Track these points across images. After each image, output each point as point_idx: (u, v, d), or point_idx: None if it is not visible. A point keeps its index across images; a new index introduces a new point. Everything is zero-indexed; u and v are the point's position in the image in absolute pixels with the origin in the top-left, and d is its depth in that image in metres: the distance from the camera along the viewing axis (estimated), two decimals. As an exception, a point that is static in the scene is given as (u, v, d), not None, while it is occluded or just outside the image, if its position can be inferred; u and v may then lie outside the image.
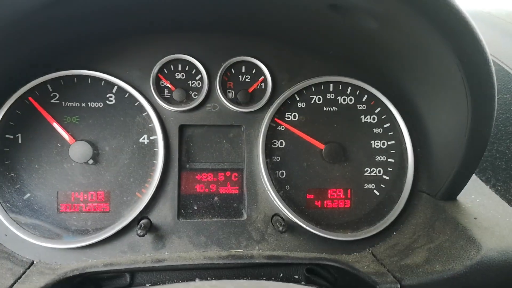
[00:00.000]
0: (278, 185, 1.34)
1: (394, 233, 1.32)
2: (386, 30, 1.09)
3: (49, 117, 1.25)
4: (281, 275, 1.23)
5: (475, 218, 1.13)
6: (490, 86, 0.97)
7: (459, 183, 1.19)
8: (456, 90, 1.03)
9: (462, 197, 1.26)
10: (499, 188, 1.34)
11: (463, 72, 0.95)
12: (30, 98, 1.25)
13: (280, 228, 1.22)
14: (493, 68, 0.95)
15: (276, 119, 1.36)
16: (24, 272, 1.10)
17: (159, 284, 1.14)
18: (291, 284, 0.57)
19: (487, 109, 1.00)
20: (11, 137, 1.24)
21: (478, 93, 0.98)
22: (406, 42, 1.10)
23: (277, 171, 1.36)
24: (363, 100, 1.41)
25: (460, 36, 0.90)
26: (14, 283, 1.02)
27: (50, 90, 1.28)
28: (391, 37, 1.12)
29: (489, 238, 1.03)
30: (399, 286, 1.02)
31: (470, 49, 0.91)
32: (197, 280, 1.08)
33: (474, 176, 1.36)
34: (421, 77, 1.19)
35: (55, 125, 1.25)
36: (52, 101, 1.27)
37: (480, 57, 0.92)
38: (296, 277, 1.21)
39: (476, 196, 1.28)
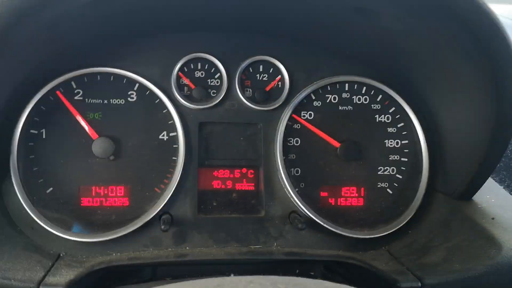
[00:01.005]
0: (293, 182, 1.31)
1: (410, 231, 1.28)
2: (410, 32, 1.05)
3: (74, 111, 1.23)
4: (297, 271, 1.20)
5: (493, 218, 1.09)
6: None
7: (476, 183, 1.15)
8: (477, 91, 0.99)
9: (477, 197, 1.21)
10: (513, 188, 1.30)
11: (493, 75, 0.90)
12: (58, 92, 1.23)
13: (299, 226, 1.19)
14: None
15: (294, 115, 1.33)
16: (53, 265, 1.08)
17: (180, 278, 1.11)
18: (327, 283, 0.54)
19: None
20: (36, 132, 1.22)
21: (506, 95, 0.93)
22: (429, 44, 1.05)
23: (292, 169, 1.33)
24: (378, 99, 1.37)
25: (490, 38, 0.86)
26: (46, 275, 1.00)
27: (74, 87, 1.25)
28: (413, 38, 1.08)
29: (509, 238, 0.99)
30: (420, 284, 0.98)
31: (499, 52, 0.87)
32: (232, 275, 1.06)
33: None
34: (440, 78, 1.15)
35: (80, 120, 1.23)
36: (76, 97, 1.25)
37: (507, 57, 0.87)
38: (312, 273, 1.18)
39: (491, 196, 1.23)
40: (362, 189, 1.34)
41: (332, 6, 1.08)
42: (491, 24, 0.85)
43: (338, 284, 0.54)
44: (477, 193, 1.20)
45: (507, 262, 0.94)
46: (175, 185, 1.24)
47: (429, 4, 0.90)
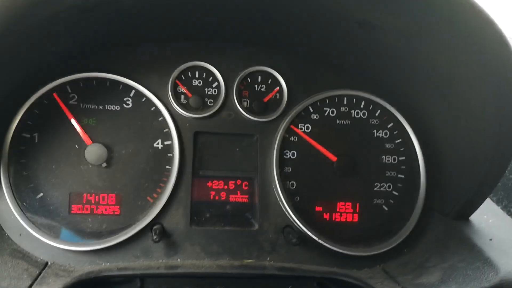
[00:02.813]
0: (288, 196, 1.28)
1: (405, 250, 1.25)
2: (412, 48, 1.05)
3: (69, 115, 1.21)
4: (290, 287, 1.16)
5: (491, 240, 1.07)
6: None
7: (474, 203, 1.13)
8: (478, 109, 0.98)
9: (474, 217, 1.19)
10: (511, 209, 1.28)
11: (495, 93, 0.89)
12: (54, 94, 1.21)
13: (293, 241, 1.16)
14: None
15: (292, 126, 1.31)
16: (39, 273, 1.05)
17: None
18: None
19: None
20: (28, 136, 1.20)
21: (507, 114, 0.92)
22: (431, 61, 1.05)
23: (288, 182, 1.30)
24: (376, 114, 1.36)
25: (497, 57, 0.85)
26: (32, 284, 0.97)
27: (69, 91, 1.24)
28: (414, 55, 1.08)
29: (507, 260, 0.96)
30: None
31: (503, 70, 0.86)
32: None
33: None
34: (440, 95, 1.14)
35: (75, 124, 1.21)
36: (70, 102, 1.23)
37: None
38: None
39: (489, 216, 1.21)
40: (358, 204, 1.32)
41: (336, 20, 1.07)
42: (499, 43, 0.84)
43: None
44: (474, 213, 1.18)
45: (505, 285, 0.91)
46: (168, 195, 1.21)
47: (433, 18, 0.89)
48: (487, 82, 0.91)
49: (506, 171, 1.33)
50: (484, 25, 0.83)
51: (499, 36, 0.84)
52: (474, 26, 0.83)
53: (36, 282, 0.99)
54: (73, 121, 1.21)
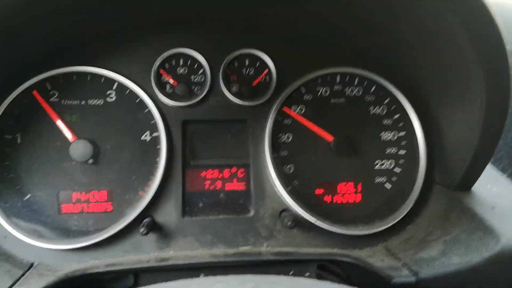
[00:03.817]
0: (286, 180, 1.34)
1: (408, 226, 1.31)
2: (396, 17, 1.09)
3: (52, 113, 1.26)
4: (291, 272, 1.22)
5: (493, 208, 1.13)
6: (506, 77, 0.96)
7: (474, 173, 1.19)
8: (470, 79, 1.03)
9: (477, 187, 1.25)
10: (516, 177, 1.33)
11: (479, 63, 0.94)
12: (34, 92, 1.26)
13: (289, 224, 1.22)
14: (509, 59, 0.95)
15: (285, 107, 1.36)
16: (23, 274, 1.10)
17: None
18: (298, 278, 0.57)
19: (503, 100, 0.99)
20: (10, 137, 1.25)
21: (494, 84, 0.97)
22: (418, 30, 1.09)
23: (285, 166, 1.36)
24: (371, 91, 1.41)
25: (479, 24, 0.90)
26: (12, 285, 1.03)
27: (49, 88, 1.29)
28: (401, 25, 1.12)
29: (508, 227, 1.02)
30: (414, 279, 1.01)
31: (488, 38, 0.90)
32: (201, 275, 1.08)
33: (489, 166, 1.35)
34: (432, 67, 1.19)
35: (58, 122, 1.26)
36: (51, 99, 1.28)
37: (498, 48, 0.91)
38: (307, 274, 1.21)
39: (492, 185, 1.27)
40: (359, 185, 1.38)
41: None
42: (478, 7, 0.89)
43: (312, 280, 0.56)
44: (477, 183, 1.23)
45: (506, 252, 0.97)
46: (156, 187, 1.27)
47: None
48: (471, 48, 0.95)
49: (509, 139, 1.40)
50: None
51: (483, 8, 0.88)
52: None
53: (17, 283, 1.04)
54: (55, 119, 1.26)
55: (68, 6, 1.06)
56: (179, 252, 1.23)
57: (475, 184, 1.24)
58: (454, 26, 0.95)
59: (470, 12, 0.90)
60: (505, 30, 0.91)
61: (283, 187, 1.31)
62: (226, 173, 1.35)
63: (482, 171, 1.18)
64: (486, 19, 0.89)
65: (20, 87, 1.25)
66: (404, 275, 1.03)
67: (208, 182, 1.34)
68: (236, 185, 1.35)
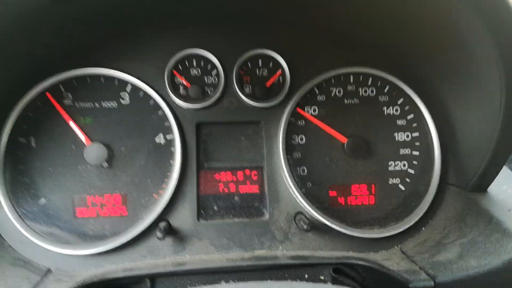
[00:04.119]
0: (300, 182, 1.35)
1: (423, 228, 1.32)
2: (411, 17, 1.08)
3: (65, 116, 1.26)
4: (306, 275, 1.23)
5: (510, 210, 1.13)
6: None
7: (490, 174, 1.19)
8: (487, 81, 1.03)
9: (493, 188, 1.26)
10: (531, 178, 1.34)
11: (498, 62, 0.94)
12: (47, 94, 1.26)
13: (305, 227, 1.23)
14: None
15: (298, 109, 1.36)
16: (40, 280, 1.11)
17: None
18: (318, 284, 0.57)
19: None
20: (24, 140, 1.26)
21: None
22: (433, 29, 1.09)
23: (298, 168, 1.37)
24: (385, 91, 1.41)
25: (499, 22, 0.89)
26: None
27: (63, 90, 1.29)
28: (416, 24, 1.12)
29: (526, 230, 1.03)
30: (433, 283, 1.02)
31: (509, 37, 0.90)
32: (222, 283, 1.09)
33: (504, 166, 1.36)
34: (447, 66, 1.19)
35: (72, 125, 1.26)
36: (65, 101, 1.29)
37: None
38: (322, 277, 1.22)
39: (508, 186, 1.28)
40: (373, 186, 1.39)
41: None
42: (505, 12, 0.88)
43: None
44: (492, 184, 1.24)
45: (526, 255, 0.98)
46: (172, 191, 1.28)
47: None
48: (489, 52, 0.95)
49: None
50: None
51: (504, 7, 0.88)
52: None
53: None
54: (70, 122, 1.27)
55: (83, 10, 1.06)
56: (195, 256, 1.25)
57: (490, 185, 1.24)
58: (472, 23, 0.95)
59: (491, 8, 0.89)
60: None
61: (298, 189, 1.32)
62: (240, 175, 1.37)
63: (498, 172, 1.18)
64: (508, 16, 0.89)
65: (33, 90, 1.26)
66: (422, 279, 1.04)
67: (221, 184, 1.36)
68: (250, 188, 1.36)
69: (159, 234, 1.18)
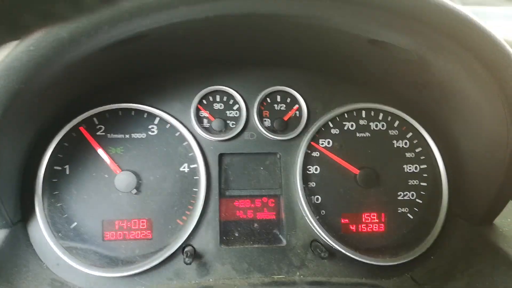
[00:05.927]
0: (314, 210, 1.44)
1: (432, 257, 1.40)
2: (425, 62, 1.20)
3: (97, 146, 1.38)
4: (321, 301, 1.31)
5: (516, 243, 1.21)
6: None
7: (496, 207, 1.27)
8: (492, 115, 1.12)
9: (498, 220, 1.33)
10: (535, 211, 1.41)
11: (505, 102, 1.04)
12: (81, 128, 1.38)
13: (322, 254, 1.32)
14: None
15: (312, 142, 1.47)
16: None
17: None
18: None
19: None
20: (59, 168, 1.37)
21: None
22: (443, 72, 1.19)
23: (313, 197, 1.46)
24: (395, 125, 1.52)
25: (502, 69, 1.00)
26: None
27: (96, 123, 1.41)
28: (427, 67, 1.23)
29: (532, 263, 1.10)
30: None
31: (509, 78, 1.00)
32: None
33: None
34: (456, 103, 1.29)
35: (103, 155, 1.37)
36: (98, 133, 1.40)
37: None
38: (337, 302, 1.29)
39: (512, 219, 1.35)
40: (383, 215, 1.48)
41: (347, 39, 1.22)
42: (503, 55, 0.99)
43: None
44: (498, 217, 1.32)
45: (531, 287, 1.05)
46: (197, 217, 1.38)
47: (439, 37, 1.03)
48: (494, 91, 1.05)
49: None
50: (488, 42, 0.98)
51: (504, 53, 0.99)
52: (479, 43, 0.98)
53: None
54: (101, 152, 1.38)
55: (120, 58, 1.18)
56: (219, 280, 1.33)
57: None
58: (475, 67, 1.05)
59: (491, 53, 0.99)
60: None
61: (313, 217, 1.41)
62: (258, 203, 1.46)
63: (505, 205, 1.26)
64: (506, 59, 0.99)
65: (71, 122, 1.37)
66: None
67: (240, 211, 1.45)
68: (267, 215, 1.46)
69: (187, 259, 1.27)
